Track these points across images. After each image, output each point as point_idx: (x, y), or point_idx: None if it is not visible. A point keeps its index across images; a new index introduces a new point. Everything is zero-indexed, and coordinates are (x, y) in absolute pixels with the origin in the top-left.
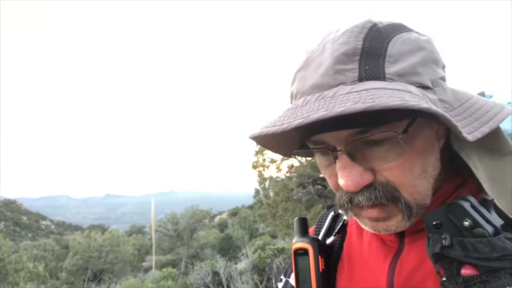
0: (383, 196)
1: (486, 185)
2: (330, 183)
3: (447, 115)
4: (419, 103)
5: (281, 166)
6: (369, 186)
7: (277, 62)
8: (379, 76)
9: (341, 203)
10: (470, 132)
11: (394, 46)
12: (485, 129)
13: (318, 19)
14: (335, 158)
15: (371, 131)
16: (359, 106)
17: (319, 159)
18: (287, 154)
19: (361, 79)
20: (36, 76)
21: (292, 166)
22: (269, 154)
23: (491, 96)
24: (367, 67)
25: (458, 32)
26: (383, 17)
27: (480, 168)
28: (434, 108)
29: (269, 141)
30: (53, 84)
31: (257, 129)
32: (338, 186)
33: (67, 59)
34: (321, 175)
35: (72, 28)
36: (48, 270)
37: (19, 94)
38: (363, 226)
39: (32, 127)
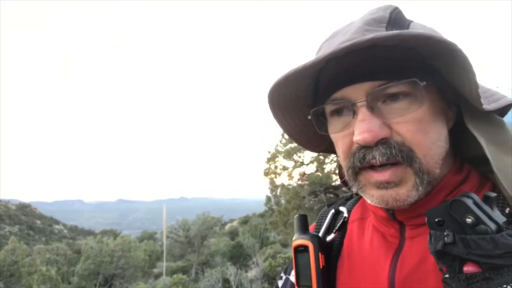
0: (398, 153)
1: (490, 156)
2: (342, 147)
3: (470, 61)
4: (446, 39)
5: (293, 174)
6: (385, 142)
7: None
8: None
9: (352, 165)
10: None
11: (416, 24)
12: (494, 105)
13: (319, 20)
14: (354, 113)
15: (394, 85)
16: (389, 33)
17: (335, 122)
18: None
19: None
20: (49, 80)
21: (304, 173)
22: (281, 161)
23: None
24: (393, 30)
25: (458, 32)
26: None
27: (486, 143)
28: (458, 46)
29: (287, 107)
30: (68, 88)
31: (282, 74)
32: (350, 149)
33: (80, 63)
34: (334, 182)
35: (78, 28)
36: (60, 274)
37: (36, 100)
38: (369, 201)
39: (48, 132)
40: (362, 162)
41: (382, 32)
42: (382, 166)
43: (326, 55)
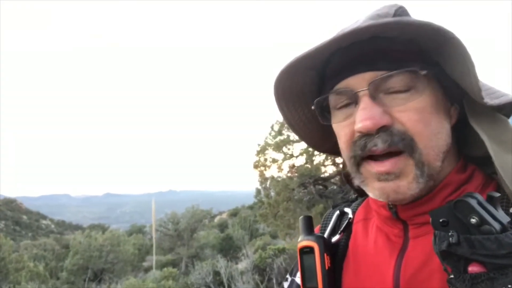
0: (400, 141)
1: (492, 152)
2: (343, 137)
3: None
4: (444, 28)
5: (282, 166)
6: (386, 130)
7: (276, 63)
8: None
9: (353, 155)
10: (487, 100)
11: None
12: (496, 101)
13: (324, 21)
14: (356, 102)
15: (396, 74)
16: (388, 20)
17: (338, 113)
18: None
19: None
20: (37, 76)
21: (294, 166)
22: (270, 154)
23: None
24: None
25: (458, 31)
26: None
27: (489, 141)
28: (456, 35)
29: (292, 99)
30: (55, 84)
31: (290, 60)
32: (351, 138)
33: (66, 59)
34: (323, 174)
35: (73, 28)
36: (48, 269)
37: (20, 94)
38: (371, 194)
39: (32, 126)
40: (363, 150)
41: (382, 19)
42: (384, 156)
43: (328, 40)
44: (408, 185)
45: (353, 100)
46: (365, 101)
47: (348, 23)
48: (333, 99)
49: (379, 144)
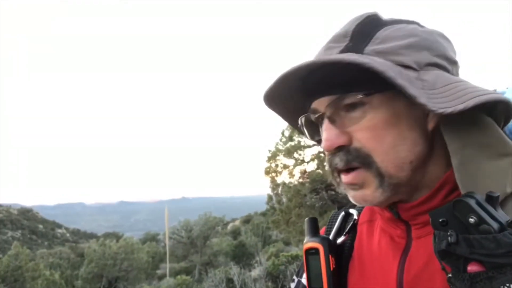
0: (356, 159)
1: (456, 170)
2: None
3: (399, 80)
4: (370, 63)
5: (293, 172)
6: (344, 149)
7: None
8: (358, 52)
9: (331, 168)
10: (444, 107)
11: (386, 31)
12: (460, 106)
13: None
14: (321, 124)
15: (347, 97)
16: (322, 59)
17: (320, 130)
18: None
19: (342, 53)
20: (49, 81)
21: (305, 171)
22: (281, 159)
23: (504, 93)
24: (350, 45)
25: (459, 32)
26: (403, 16)
27: (456, 154)
28: (377, 65)
29: (282, 109)
30: (68, 91)
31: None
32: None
33: (77, 62)
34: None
35: (74, 29)
36: (64, 278)
37: (36, 103)
38: (351, 199)
39: (47, 135)
40: (331, 166)
41: (321, 57)
42: (347, 170)
43: (283, 74)
44: (372, 193)
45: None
46: (325, 123)
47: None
48: (311, 116)
49: (338, 162)
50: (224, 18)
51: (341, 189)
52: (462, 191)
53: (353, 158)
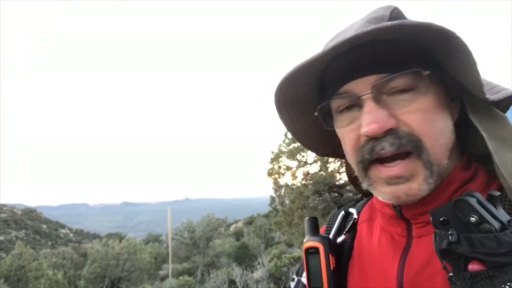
0: (408, 143)
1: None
2: (349, 142)
3: (468, 46)
4: (445, 28)
5: (296, 173)
6: (393, 133)
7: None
8: None
9: (361, 159)
10: (488, 96)
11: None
12: (496, 96)
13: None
14: (360, 106)
15: (396, 76)
16: (390, 23)
17: (341, 118)
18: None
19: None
20: (52, 81)
21: (308, 173)
22: (284, 161)
23: None
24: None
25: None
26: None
27: (488, 138)
28: (457, 34)
29: (292, 106)
30: (72, 90)
31: (289, 69)
32: (357, 143)
33: (78, 62)
34: (338, 181)
35: (75, 29)
36: (66, 278)
37: (39, 103)
38: (380, 197)
39: (51, 136)
40: (371, 153)
41: (384, 23)
42: (392, 159)
43: (329, 48)
44: (419, 186)
45: (356, 104)
46: (369, 105)
47: (342, 27)
48: (336, 104)
49: (386, 147)
50: (224, 18)
51: (367, 186)
52: (506, 176)
53: (406, 142)
